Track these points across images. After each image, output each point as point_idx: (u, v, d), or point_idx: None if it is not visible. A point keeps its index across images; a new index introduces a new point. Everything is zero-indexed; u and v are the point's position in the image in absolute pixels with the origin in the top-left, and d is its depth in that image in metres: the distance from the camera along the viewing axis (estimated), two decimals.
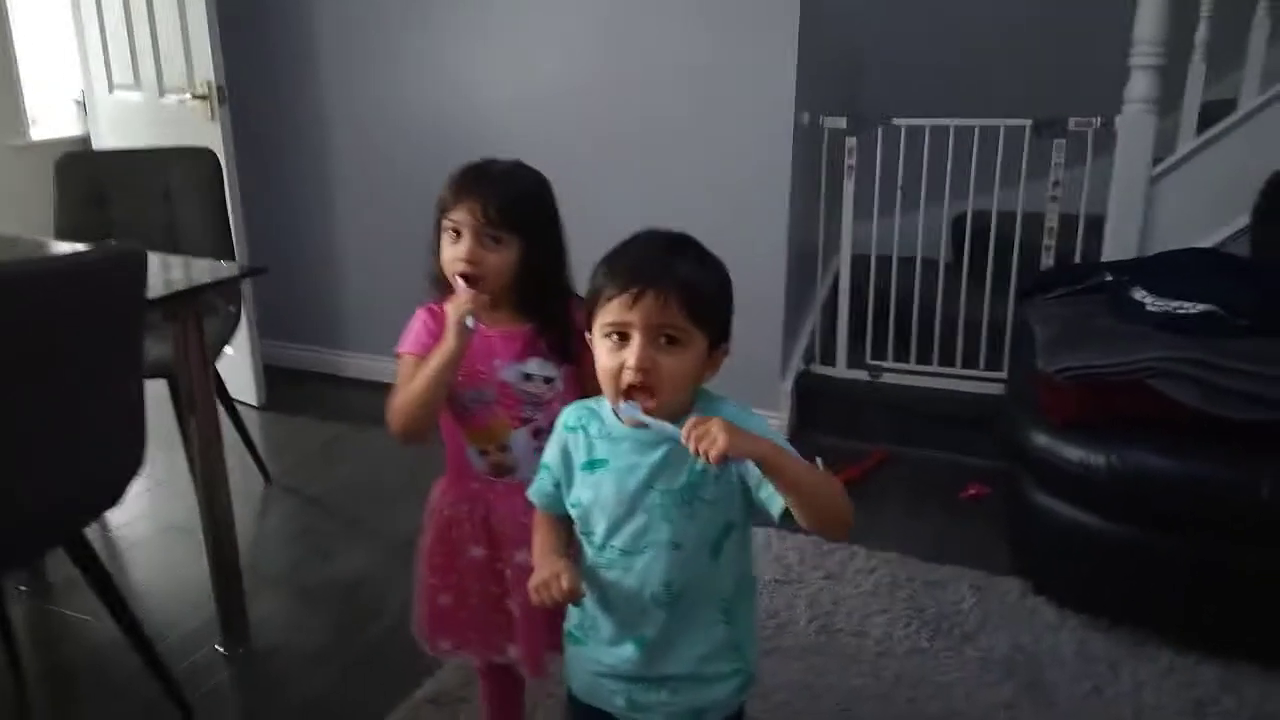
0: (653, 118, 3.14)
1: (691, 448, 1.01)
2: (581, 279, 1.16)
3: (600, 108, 3.20)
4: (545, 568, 1.17)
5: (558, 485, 1.23)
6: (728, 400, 1.16)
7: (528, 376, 1.44)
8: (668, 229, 1.18)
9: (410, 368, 1.43)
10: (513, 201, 1.38)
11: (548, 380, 1.45)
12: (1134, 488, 2.01)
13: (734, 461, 1.05)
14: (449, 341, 1.36)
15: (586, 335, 1.17)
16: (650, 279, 1.08)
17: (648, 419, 1.08)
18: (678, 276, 1.08)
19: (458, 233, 1.39)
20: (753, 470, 1.10)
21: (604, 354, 1.12)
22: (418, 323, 1.46)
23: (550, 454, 1.24)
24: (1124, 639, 2.10)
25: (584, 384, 1.50)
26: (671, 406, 1.11)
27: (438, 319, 1.43)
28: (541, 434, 1.45)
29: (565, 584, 1.13)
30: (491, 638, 1.54)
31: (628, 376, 1.08)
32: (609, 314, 1.10)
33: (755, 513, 1.16)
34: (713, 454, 0.99)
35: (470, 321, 1.35)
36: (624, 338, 1.09)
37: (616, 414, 1.16)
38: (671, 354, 1.09)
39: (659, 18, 3.06)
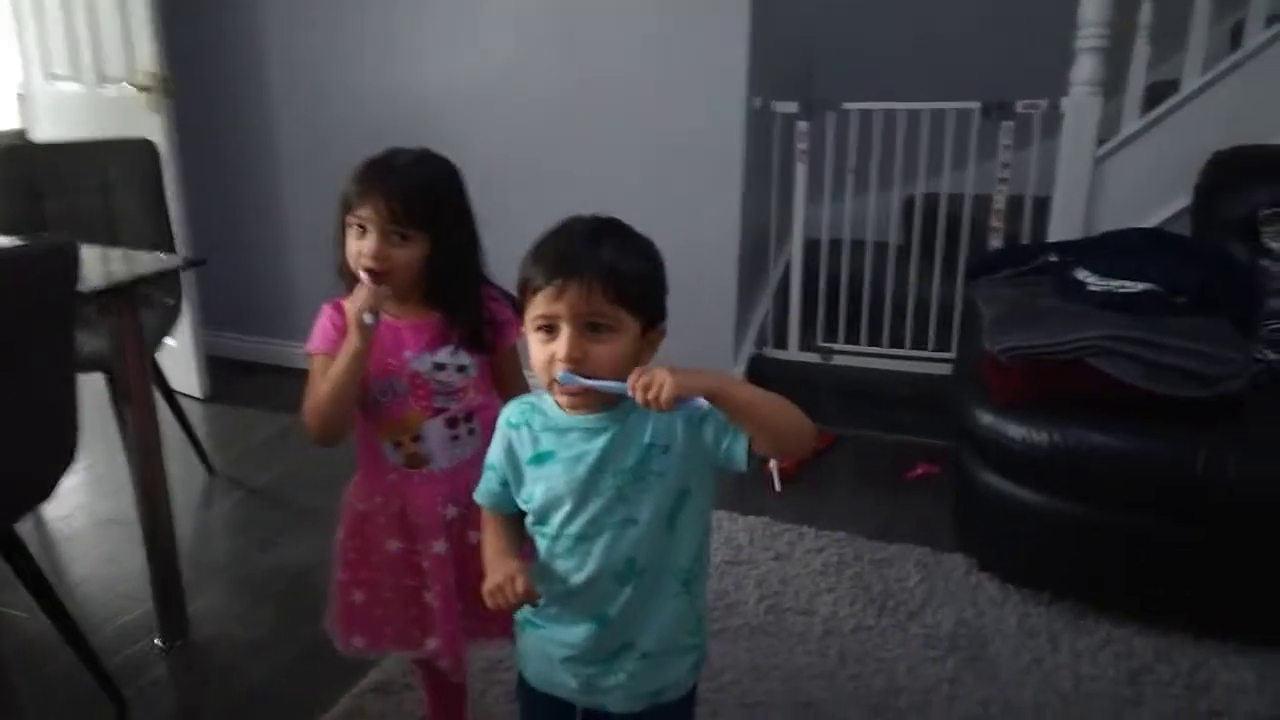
0: (603, 102, 3.12)
1: (639, 398, 1.01)
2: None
3: (549, 92, 3.17)
4: (499, 571, 1.16)
5: (505, 484, 1.21)
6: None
7: (440, 366, 1.43)
8: (594, 214, 1.16)
9: (320, 366, 1.41)
10: (419, 197, 1.36)
11: (461, 368, 1.44)
12: (1074, 464, 2.03)
13: (683, 404, 1.03)
14: (352, 340, 1.35)
15: (520, 329, 1.15)
16: (573, 269, 1.06)
17: (589, 381, 1.06)
18: (601, 264, 1.07)
19: (364, 228, 1.37)
20: (709, 427, 1.10)
21: (535, 346, 1.11)
22: (324, 319, 1.44)
23: (494, 453, 1.22)
24: (1064, 612, 2.13)
25: (498, 370, 1.49)
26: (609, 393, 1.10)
27: (343, 314, 1.41)
28: (456, 423, 1.45)
29: (520, 587, 1.12)
30: (408, 632, 1.52)
31: (558, 368, 1.07)
32: (536, 307, 1.09)
33: (716, 475, 1.15)
34: (663, 398, 0.99)
35: (369, 318, 1.33)
36: (553, 329, 1.08)
37: (559, 404, 1.15)
38: (601, 341, 1.07)
39: (607, 4, 3.04)
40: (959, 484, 2.35)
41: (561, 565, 1.17)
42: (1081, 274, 2.39)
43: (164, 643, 2.09)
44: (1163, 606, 2.06)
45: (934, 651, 2.02)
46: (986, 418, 2.16)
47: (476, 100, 3.25)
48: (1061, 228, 2.90)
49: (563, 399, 1.12)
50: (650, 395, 1.00)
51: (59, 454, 1.77)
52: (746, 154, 3.04)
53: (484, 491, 1.25)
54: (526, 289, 1.11)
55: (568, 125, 3.18)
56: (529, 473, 1.18)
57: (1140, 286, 2.26)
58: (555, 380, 1.08)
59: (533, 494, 1.17)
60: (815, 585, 2.27)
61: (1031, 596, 2.19)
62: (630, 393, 1.02)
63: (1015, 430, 2.09)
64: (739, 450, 1.09)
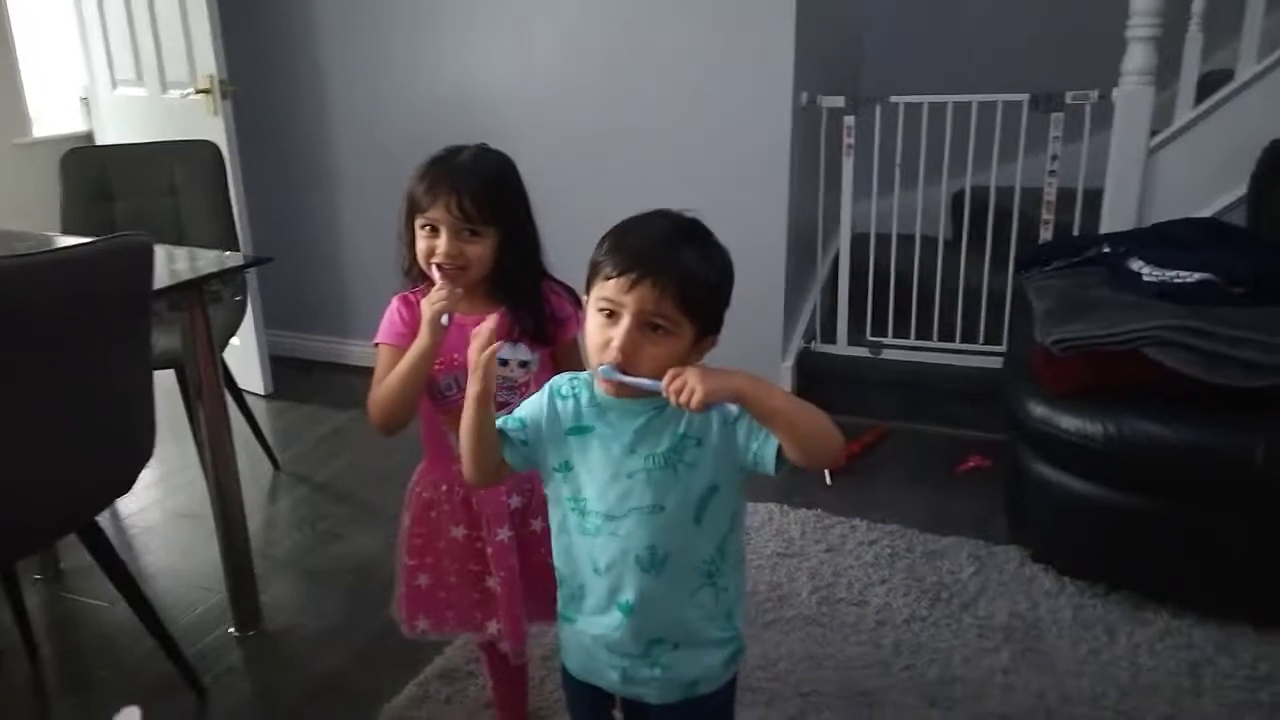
0: (651, 100, 3.16)
1: (672, 400, 1.04)
2: (577, 260, 1.17)
3: (599, 90, 3.21)
4: None
5: (525, 432, 1.22)
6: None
7: (503, 362, 1.46)
8: (680, 213, 1.17)
9: (386, 357, 1.46)
10: (485, 193, 1.39)
11: (523, 364, 1.48)
12: (1130, 456, 2.02)
13: (715, 407, 1.06)
14: (423, 337, 1.38)
15: (584, 298, 1.17)
16: (650, 267, 1.08)
17: (626, 377, 1.09)
18: (678, 268, 1.09)
19: (434, 228, 1.40)
20: (741, 429, 1.12)
21: (594, 325, 1.13)
22: (391, 312, 1.49)
23: (529, 410, 1.24)
24: (1121, 604, 2.13)
25: (559, 365, 1.52)
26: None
27: (411, 308, 1.46)
28: None
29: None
30: (470, 615, 1.58)
31: (609, 356, 1.10)
32: (605, 290, 1.11)
33: (744, 474, 1.17)
34: (694, 402, 1.02)
35: (445, 320, 1.37)
36: (614, 315, 1.11)
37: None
38: (657, 342, 1.10)
39: (656, 1, 3.07)
40: (1012, 476, 2.36)
41: (588, 544, 1.20)
42: (1136, 265, 2.39)
43: (238, 632, 2.17)
44: (1222, 598, 2.05)
45: (988, 642, 2.03)
46: (1039, 409, 2.16)
47: (526, 99, 3.30)
48: (1114, 219, 2.89)
49: (604, 387, 1.15)
50: (682, 399, 1.03)
51: (139, 448, 1.84)
52: (794, 149, 3.06)
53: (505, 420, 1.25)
54: (598, 270, 1.12)
55: (616, 123, 3.22)
56: (568, 442, 1.20)
57: (1196, 276, 2.25)
58: (603, 362, 1.11)
59: (569, 460, 1.20)
60: (868, 577, 2.29)
61: (1087, 588, 2.19)
62: (664, 393, 1.05)
63: (1069, 422, 2.09)
64: (768, 454, 1.11)
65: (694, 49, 3.06)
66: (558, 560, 1.26)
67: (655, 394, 1.08)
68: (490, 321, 1.28)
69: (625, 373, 1.10)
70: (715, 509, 1.18)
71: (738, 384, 1.05)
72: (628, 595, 1.19)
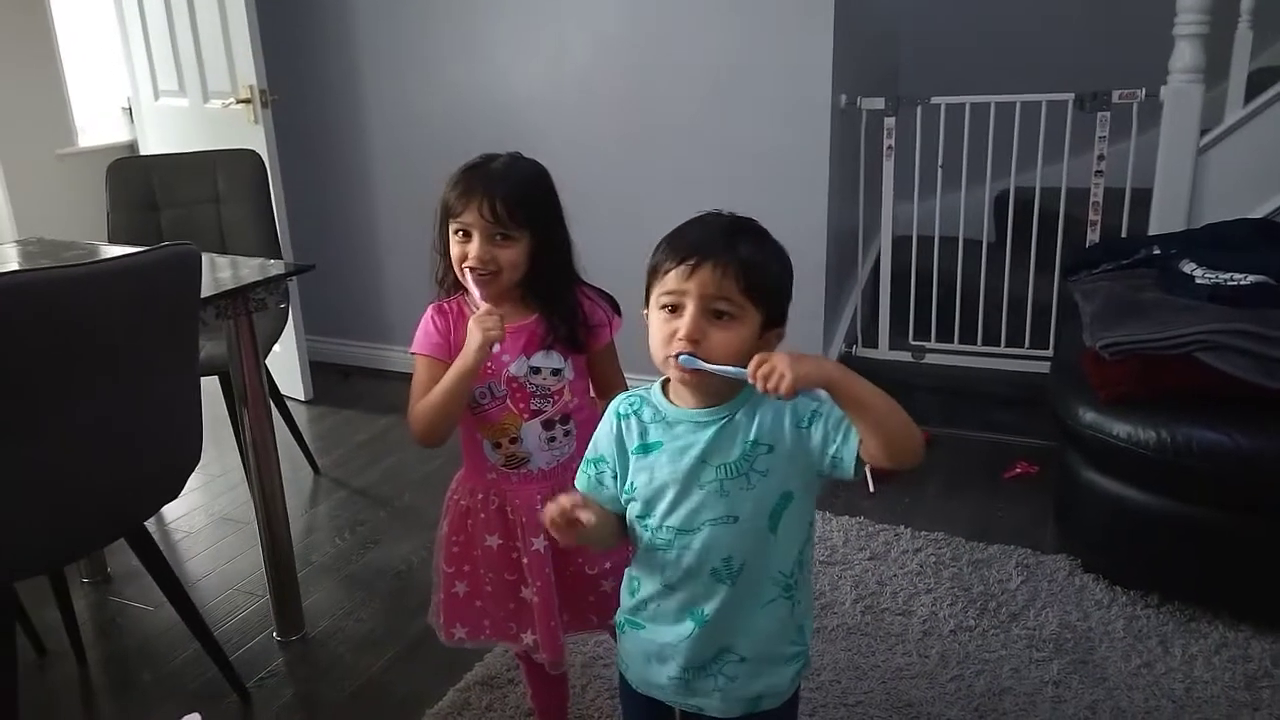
0: (690, 103, 3.14)
1: (760, 386, 1.02)
2: (624, 265, 1.17)
3: (636, 94, 3.21)
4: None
5: (615, 477, 1.22)
6: None
7: (535, 370, 1.46)
8: (732, 212, 1.18)
9: (423, 368, 1.46)
10: (517, 198, 1.39)
11: (555, 372, 1.47)
12: (1184, 463, 1.97)
13: (798, 399, 1.04)
14: (469, 358, 1.37)
15: (644, 312, 1.17)
16: (709, 252, 1.09)
17: (708, 365, 1.08)
18: (737, 251, 1.09)
19: (466, 234, 1.40)
20: (816, 430, 1.10)
21: (657, 324, 1.12)
22: (426, 322, 1.49)
23: (602, 444, 1.23)
24: (1174, 615, 2.08)
25: (596, 370, 1.51)
26: (717, 383, 1.11)
27: (445, 317, 1.46)
28: (552, 425, 1.48)
29: (567, 501, 1.13)
30: (506, 625, 1.57)
31: (676, 346, 1.09)
32: (665, 284, 1.10)
33: (821, 481, 1.15)
34: (784, 387, 1.00)
35: (496, 348, 1.38)
36: (677, 309, 1.10)
37: (666, 396, 1.17)
38: (723, 327, 1.09)
39: (693, 3, 3.06)
40: (1061, 483, 2.32)
41: (660, 558, 1.18)
42: (1188, 266, 2.33)
43: (281, 637, 2.18)
44: (1279, 609, 2.00)
45: (1038, 654, 1.99)
46: (1089, 415, 2.12)
47: (561, 106, 3.30)
48: (1163, 220, 2.83)
49: (675, 376, 1.13)
50: (771, 384, 1.01)
51: (187, 454, 1.85)
52: (833, 151, 3.03)
53: (588, 485, 1.25)
54: (657, 270, 1.12)
55: (652, 127, 3.21)
56: (634, 461, 1.19)
57: (1250, 279, 2.19)
58: (673, 357, 1.09)
59: (635, 483, 1.18)
60: (913, 586, 2.25)
61: (1139, 598, 2.14)
62: (750, 379, 1.03)
63: (1120, 428, 2.05)
64: (847, 455, 1.09)
65: (730, 52, 3.05)
66: (630, 569, 1.26)
67: (735, 386, 1.06)
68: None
69: (705, 360, 1.08)
70: (791, 517, 1.16)
71: (828, 370, 1.03)
72: (703, 606, 1.18)
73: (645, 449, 1.18)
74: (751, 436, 1.12)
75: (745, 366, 1.05)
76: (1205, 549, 2.02)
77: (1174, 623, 2.06)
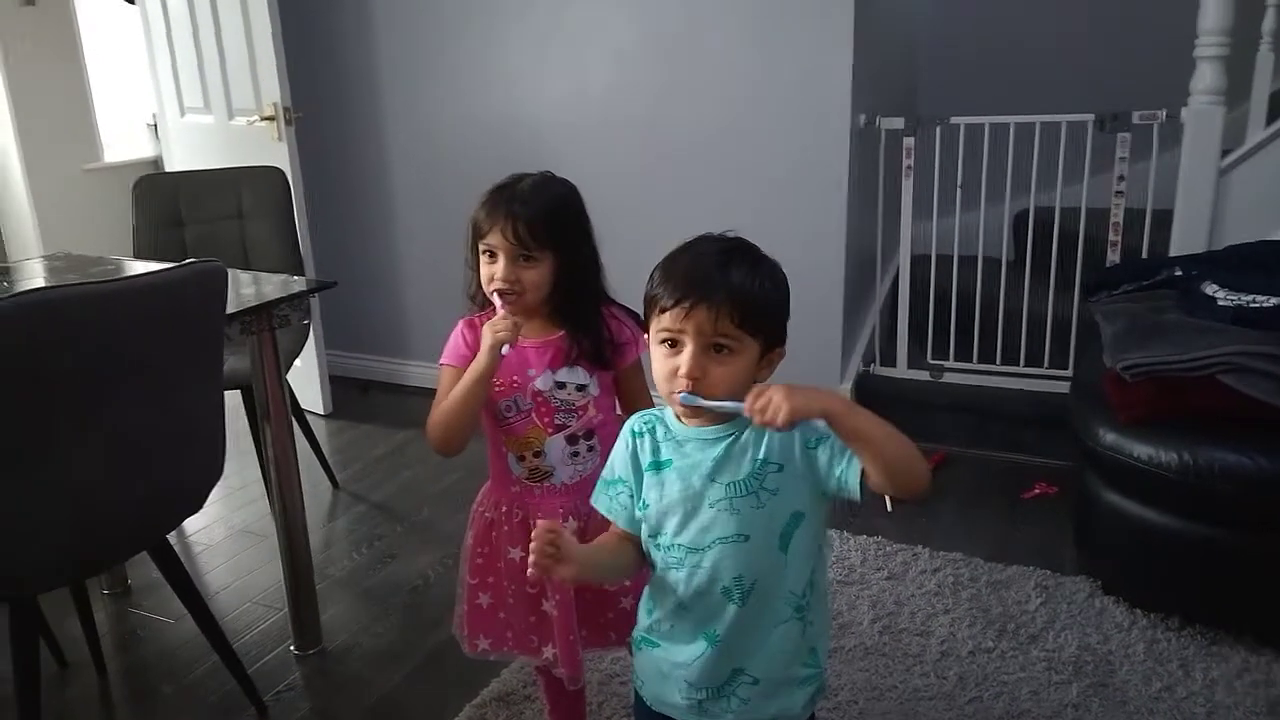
0: (709, 123, 3.16)
1: (756, 420, 1.03)
2: (641, 283, 1.18)
3: (656, 114, 3.23)
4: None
5: (632, 497, 1.23)
6: None
7: (561, 385, 1.48)
8: (723, 235, 1.19)
9: (449, 379, 1.47)
10: (542, 219, 1.41)
11: (580, 388, 1.49)
12: (1205, 485, 1.96)
13: (800, 426, 1.05)
14: (481, 361, 1.40)
15: (645, 336, 1.19)
16: (702, 293, 1.09)
17: (707, 402, 1.10)
18: (729, 289, 1.10)
19: (493, 254, 1.43)
20: (823, 452, 1.11)
21: (659, 359, 1.15)
22: (457, 335, 1.51)
23: (619, 465, 1.25)
24: (1196, 638, 2.06)
25: (622, 387, 1.53)
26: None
27: (475, 330, 1.48)
28: (576, 440, 1.49)
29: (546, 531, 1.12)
30: (528, 637, 1.57)
31: (679, 384, 1.11)
32: (663, 322, 1.12)
33: (830, 501, 1.15)
34: (779, 419, 1.01)
35: (506, 349, 1.39)
36: (676, 344, 1.12)
37: (677, 416, 1.18)
38: (723, 362, 1.10)
39: (713, 23, 3.08)
40: (1081, 504, 2.30)
41: (673, 577, 1.19)
42: (1210, 288, 2.32)
43: (299, 650, 2.19)
44: None
45: (1058, 676, 1.98)
46: (1110, 436, 2.11)
47: (582, 123, 3.32)
48: (1184, 242, 2.82)
49: (679, 411, 1.16)
50: (767, 417, 1.02)
51: (211, 467, 1.87)
52: (852, 171, 3.04)
53: (610, 508, 1.26)
54: (654, 304, 1.14)
55: (674, 147, 3.23)
56: (646, 479, 1.20)
57: (1273, 301, 2.18)
58: (672, 393, 1.12)
59: (647, 500, 1.20)
60: (931, 606, 2.24)
61: (1160, 621, 2.12)
62: (746, 413, 1.04)
63: (1141, 450, 2.04)
64: (852, 478, 1.09)
65: (749, 71, 3.06)
66: (648, 587, 1.26)
67: (737, 415, 1.08)
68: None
69: (704, 397, 1.10)
70: (802, 537, 1.16)
71: (825, 401, 1.03)
72: (714, 626, 1.18)
73: (657, 466, 1.20)
74: (761, 455, 1.13)
75: (746, 389, 1.06)
76: (1227, 572, 2.01)
77: (1195, 646, 2.04)
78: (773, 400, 1.02)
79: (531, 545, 1.13)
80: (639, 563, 1.25)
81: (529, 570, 1.14)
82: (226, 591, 2.47)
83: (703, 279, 1.10)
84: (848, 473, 1.10)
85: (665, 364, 1.13)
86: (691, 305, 1.09)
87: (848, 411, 1.04)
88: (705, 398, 1.10)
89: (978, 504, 2.75)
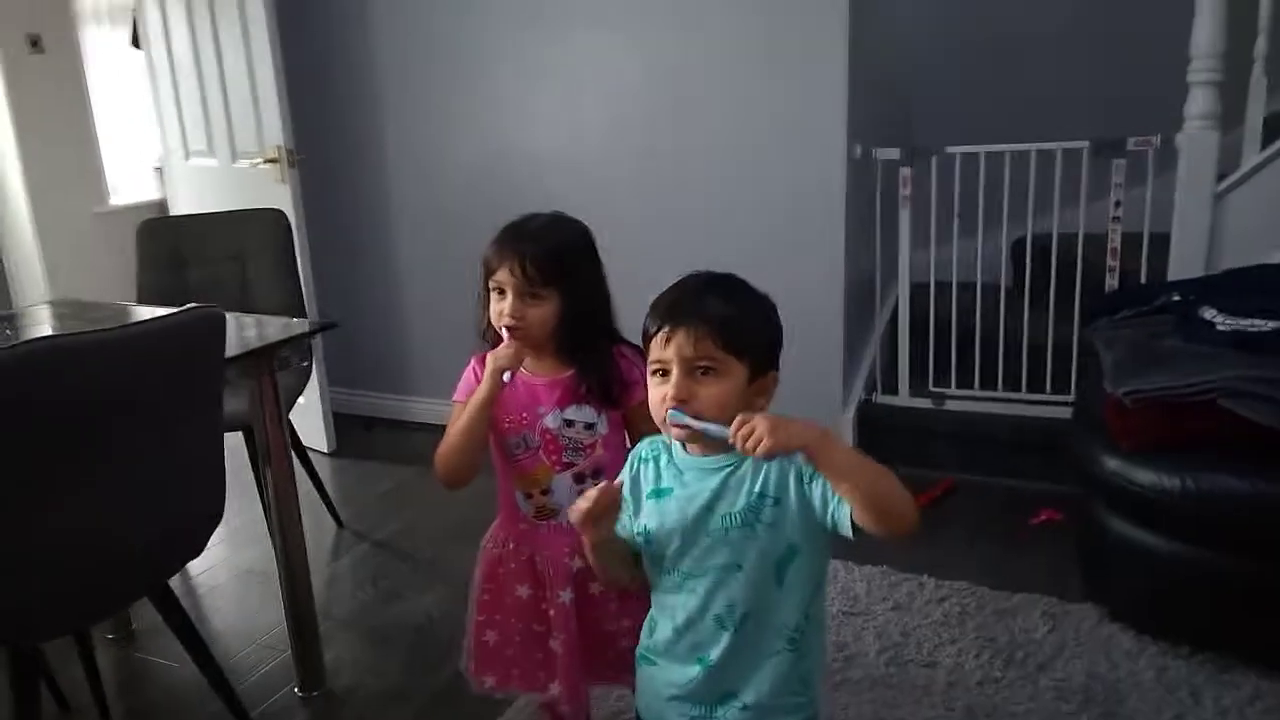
0: (705, 157, 3.19)
1: (739, 446, 1.06)
2: (632, 318, 1.21)
3: (651, 148, 3.25)
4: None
5: (631, 517, 1.26)
6: None
7: (569, 423, 1.49)
8: (712, 270, 1.23)
9: (459, 414, 1.49)
10: (550, 257, 1.44)
11: (589, 426, 1.50)
12: (1210, 510, 1.96)
13: (786, 460, 1.09)
14: (484, 388, 1.43)
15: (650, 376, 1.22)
16: (681, 318, 1.15)
17: (694, 421, 1.12)
18: (708, 313, 1.14)
19: (501, 291, 1.45)
20: (816, 487, 1.12)
21: (651, 388, 1.19)
22: (468, 372, 1.53)
23: (624, 489, 1.28)
24: (1206, 665, 2.04)
25: (632, 426, 1.54)
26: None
27: (485, 365, 1.49)
28: (584, 479, 1.50)
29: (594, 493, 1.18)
30: (534, 675, 1.57)
31: (667, 405, 1.14)
32: (652, 352, 1.17)
33: (829, 537, 1.16)
34: (760, 450, 1.03)
35: (507, 376, 1.42)
36: (666, 373, 1.16)
37: (682, 446, 1.21)
38: (708, 384, 1.14)
39: (706, 56, 3.12)
40: (1086, 531, 2.29)
41: (671, 601, 1.23)
42: (1208, 313, 2.33)
43: (302, 692, 2.18)
44: None
45: (1067, 706, 1.96)
46: (1113, 463, 2.11)
47: (580, 163, 3.34)
48: (1182, 266, 2.82)
49: (675, 434, 1.18)
50: (749, 446, 1.04)
51: (210, 511, 1.87)
52: (848, 201, 3.06)
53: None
54: (645, 337, 1.19)
55: (671, 180, 3.25)
56: (646, 506, 1.23)
57: (1271, 325, 2.19)
58: (665, 418, 1.15)
59: (647, 525, 1.22)
60: (937, 636, 2.22)
61: (1169, 648, 2.10)
62: (731, 439, 1.07)
63: (1144, 475, 2.03)
64: (843, 515, 1.10)
65: (746, 104, 3.09)
66: (651, 609, 1.29)
67: (722, 440, 1.10)
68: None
69: (695, 417, 1.12)
70: (798, 571, 1.18)
71: (807, 436, 1.05)
72: (708, 651, 1.21)
73: (658, 494, 1.23)
74: (758, 488, 1.16)
75: (737, 415, 1.08)
76: (1235, 597, 1.99)
77: (1205, 673, 2.02)
78: (756, 429, 1.04)
79: (590, 493, 1.18)
80: (637, 575, 1.28)
81: (570, 509, 1.20)
82: (231, 633, 2.46)
83: (681, 306, 1.16)
84: (839, 509, 1.11)
85: (656, 393, 1.17)
86: (671, 330, 1.14)
87: (829, 447, 1.07)
88: (694, 417, 1.12)
89: (983, 531, 2.74)
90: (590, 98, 3.32)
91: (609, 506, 1.20)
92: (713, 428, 1.11)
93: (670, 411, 1.14)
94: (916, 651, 2.17)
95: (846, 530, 1.11)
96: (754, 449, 1.04)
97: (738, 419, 1.06)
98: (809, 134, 3.03)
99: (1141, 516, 2.07)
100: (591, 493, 1.18)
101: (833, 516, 1.12)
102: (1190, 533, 2.00)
